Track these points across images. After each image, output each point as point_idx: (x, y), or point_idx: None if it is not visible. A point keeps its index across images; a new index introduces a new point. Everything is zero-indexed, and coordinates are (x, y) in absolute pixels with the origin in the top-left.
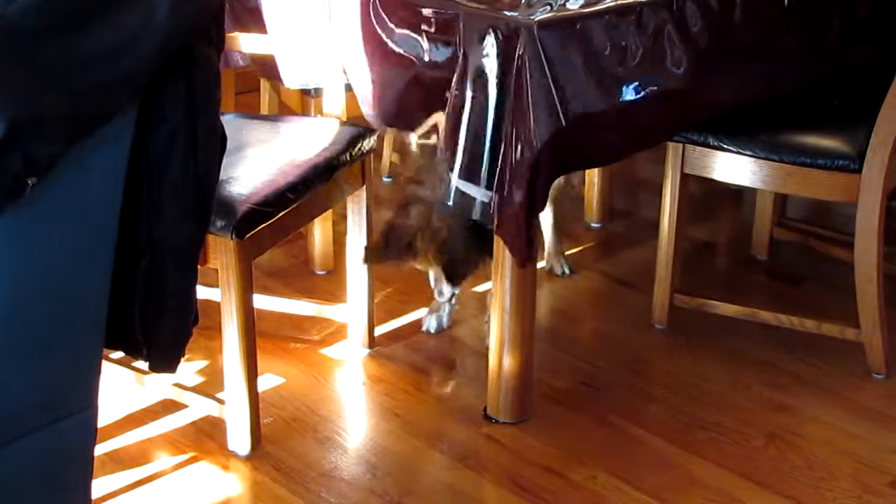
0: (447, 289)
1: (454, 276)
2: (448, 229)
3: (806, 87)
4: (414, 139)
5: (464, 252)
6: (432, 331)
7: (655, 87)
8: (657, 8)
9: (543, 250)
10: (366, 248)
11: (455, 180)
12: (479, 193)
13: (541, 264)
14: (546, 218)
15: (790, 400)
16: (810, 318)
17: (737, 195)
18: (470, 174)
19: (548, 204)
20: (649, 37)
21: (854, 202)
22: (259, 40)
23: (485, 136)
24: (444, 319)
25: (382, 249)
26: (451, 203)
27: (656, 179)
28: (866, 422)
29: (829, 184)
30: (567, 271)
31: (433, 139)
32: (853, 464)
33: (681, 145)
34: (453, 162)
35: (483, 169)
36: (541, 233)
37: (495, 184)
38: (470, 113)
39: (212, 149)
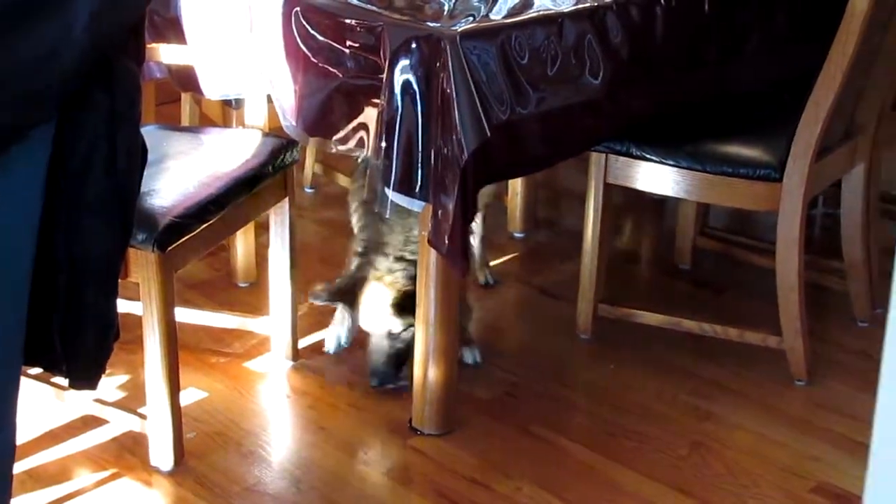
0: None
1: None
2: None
3: (727, 98)
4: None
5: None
6: (331, 351)
7: (575, 97)
8: (578, 19)
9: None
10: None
11: (390, 193)
12: (413, 204)
13: None
14: (472, 229)
15: (714, 408)
16: (733, 326)
17: (659, 204)
18: (404, 185)
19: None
20: (570, 47)
21: (775, 211)
22: (179, 51)
23: (417, 147)
24: (344, 338)
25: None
26: (388, 216)
27: (579, 189)
28: (789, 429)
29: (751, 193)
30: (491, 281)
31: (353, 145)
32: (776, 471)
33: (604, 155)
34: (388, 174)
35: (417, 180)
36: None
37: (429, 194)
38: (400, 125)
39: (133, 162)
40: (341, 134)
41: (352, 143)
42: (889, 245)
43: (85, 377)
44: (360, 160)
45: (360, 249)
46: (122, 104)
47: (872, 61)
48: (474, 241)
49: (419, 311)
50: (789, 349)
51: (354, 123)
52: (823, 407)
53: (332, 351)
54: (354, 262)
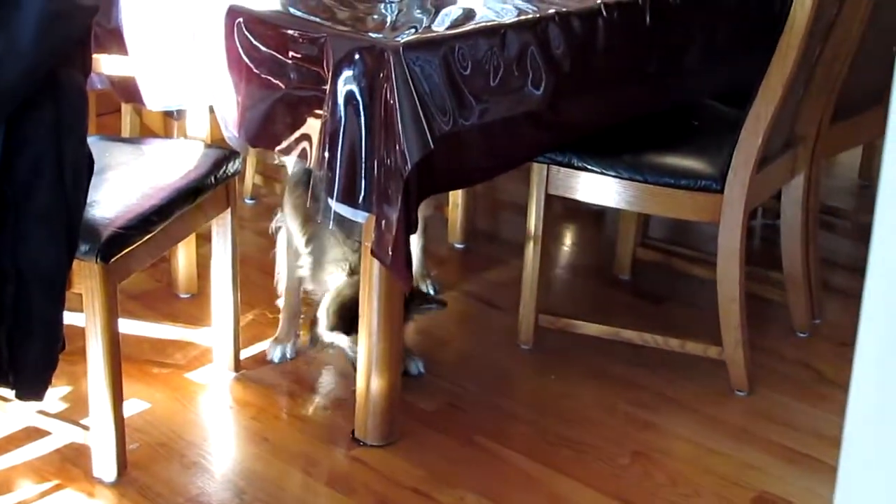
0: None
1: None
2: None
3: (669, 109)
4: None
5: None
6: (276, 360)
7: (518, 108)
8: (521, 30)
9: None
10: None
11: (333, 204)
12: (357, 215)
13: None
14: (414, 239)
15: (655, 418)
16: (674, 336)
17: (599, 215)
18: (347, 196)
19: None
20: (513, 58)
21: (716, 222)
22: (120, 62)
23: (360, 158)
24: (289, 351)
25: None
26: (331, 227)
27: (520, 200)
28: (729, 439)
29: (692, 204)
30: (433, 292)
31: (296, 156)
32: (717, 480)
33: (545, 166)
34: (331, 185)
35: (360, 191)
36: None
37: (372, 205)
38: (344, 136)
39: (79, 173)
40: (284, 145)
41: (295, 154)
42: (827, 256)
43: (32, 389)
44: (291, 173)
45: (344, 271)
46: (68, 115)
47: (812, 73)
48: (412, 251)
49: (362, 322)
50: (729, 360)
51: (297, 134)
52: (763, 417)
53: (276, 360)
54: (340, 283)
